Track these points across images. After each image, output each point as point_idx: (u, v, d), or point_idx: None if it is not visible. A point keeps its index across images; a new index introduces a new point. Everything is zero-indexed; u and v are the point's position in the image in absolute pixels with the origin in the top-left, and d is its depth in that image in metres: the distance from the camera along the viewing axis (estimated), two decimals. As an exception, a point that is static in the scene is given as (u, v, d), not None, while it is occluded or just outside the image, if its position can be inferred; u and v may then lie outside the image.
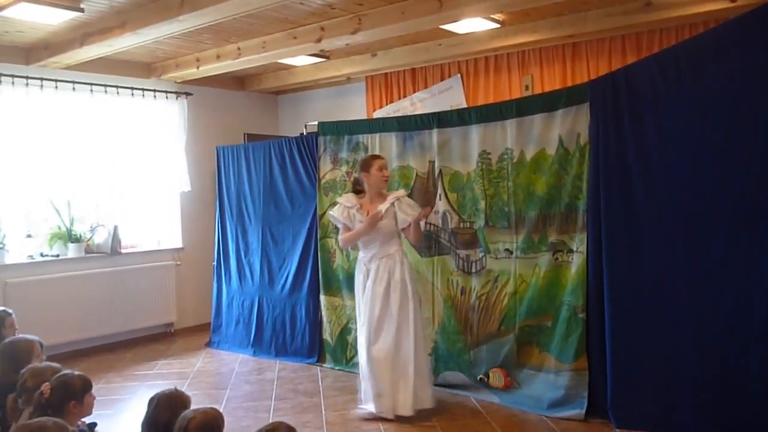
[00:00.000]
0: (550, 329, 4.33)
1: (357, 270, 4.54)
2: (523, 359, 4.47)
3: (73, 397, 2.77)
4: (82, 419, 3.08)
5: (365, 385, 4.36)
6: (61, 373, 2.85)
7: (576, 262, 4.20)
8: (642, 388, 3.89)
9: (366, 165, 4.46)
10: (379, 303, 4.27)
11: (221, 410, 2.56)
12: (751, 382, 3.49)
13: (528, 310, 4.43)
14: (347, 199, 4.52)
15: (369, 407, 4.31)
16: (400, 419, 4.24)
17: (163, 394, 2.69)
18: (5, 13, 4.52)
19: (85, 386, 2.85)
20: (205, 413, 2.47)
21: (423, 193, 5.00)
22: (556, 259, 4.32)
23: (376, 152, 5.26)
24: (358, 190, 4.60)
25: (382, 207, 4.33)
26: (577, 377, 4.16)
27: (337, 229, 5.49)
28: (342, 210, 4.46)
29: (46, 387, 2.75)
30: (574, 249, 4.22)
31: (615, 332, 3.98)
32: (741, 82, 3.49)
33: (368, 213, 4.36)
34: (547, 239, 4.36)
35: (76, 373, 2.91)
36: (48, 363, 3.17)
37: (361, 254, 4.50)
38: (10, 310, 4.06)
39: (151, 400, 2.71)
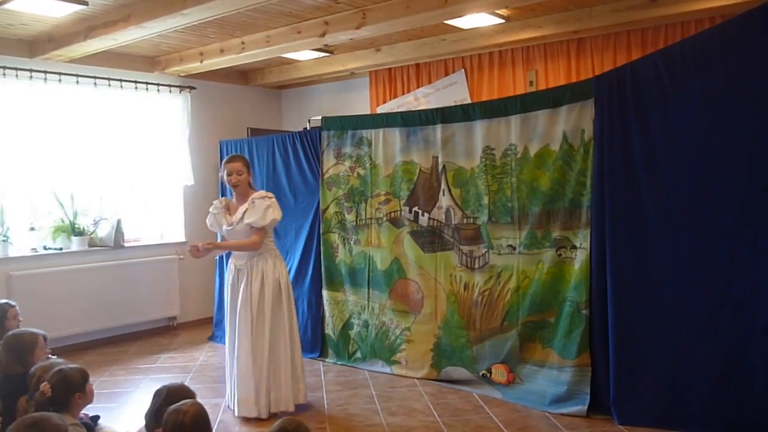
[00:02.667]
0: (553, 325, 4.33)
1: (227, 270, 4.49)
2: (526, 355, 4.47)
3: (76, 388, 2.81)
4: (85, 413, 3.10)
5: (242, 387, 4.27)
6: (56, 369, 2.87)
7: (579, 258, 4.20)
8: (645, 385, 3.89)
9: (222, 169, 4.45)
10: (253, 304, 4.22)
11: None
12: (756, 378, 3.49)
13: (531, 306, 4.43)
14: (213, 205, 4.49)
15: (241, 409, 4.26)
16: (408, 413, 4.25)
17: (172, 387, 2.71)
18: (9, 5, 4.52)
19: (84, 376, 2.91)
20: (194, 404, 2.51)
21: (427, 188, 5.00)
22: (560, 255, 4.32)
23: (380, 148, 5.28)
24: None
25: (236, 216, 4.29)
26: (580, 373, 4.16)
27: (340, 223, 5.53)
28: (208, 218, 4.46)
29: (45, 386, 2.76)
30: (578, 245, 4.22)
31: (618, 328, 3.98)
32: (747, 78, 3.48)
33: (232, 215, 4.35)
34: (550, 235, 4.35)
35: (71, 366, 2.96)
36: (55, 359, 3.18)
37: (233, 255, 4.44)
38: (13, 302, 4.07)
39: (158, 392, 2.72)
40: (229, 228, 4.32)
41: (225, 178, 4.38)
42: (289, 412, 4.20)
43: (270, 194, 4.36)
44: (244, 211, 4.23)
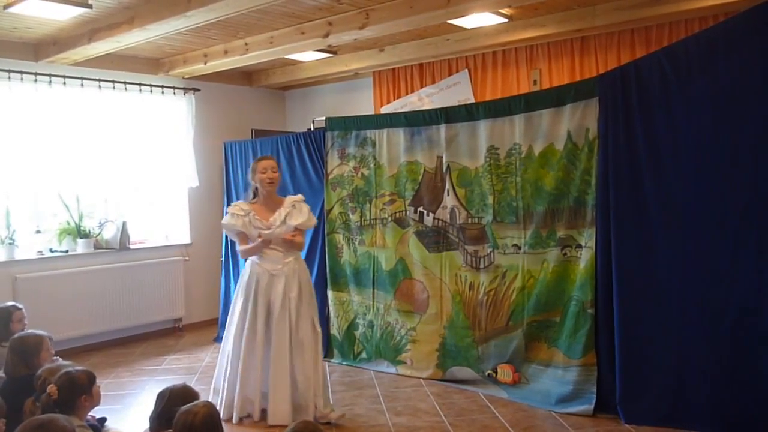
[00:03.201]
0: (558, 325, 4.32)
1: (250, 271, 4.24)
2: (532, 355, 4.46)
3: (83, 391, 2.82)
4: (92, 414, 3.11)
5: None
6: (63, 372, 2.87)
7: (584, 257, 4.19)
8: (651, 384, 3.88)
9: (252, 169, 4.32)
10: (292, 309, 4.13)
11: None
12: (762, 378, 3.47)
13: (536, 306, 4.42)
14: (239, 208, 4.28)
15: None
16: (414, 413, 4.25)
17: (176, 388, 2.71)
18: (14, 9, 4.53)
19: (90, 378, 2.91)
20: (205, 406, 2.51)
21: (431, 188, 5.00)
22: (565, 254, 4.31)
23: (384, 148, 5.27)
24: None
25: (275, 218, 4.19)
26: (586, 373, 4.15)
27: (344, 224, 5.52)
28: (235, 219, 4.23)
29: (52, 389, 2.76)
30: (583, 244, 4.21)
31: (624, 328, 3.97)
32: (751, 76, 3.47)
33: (264, 219, 4.20)
34: (555, 234, 4.34)
35: (78, 368, 2.95)
36: (61, 362, 3.19)
37: (257, 258, 4.25)
38: (20, 305, 4.09)
39: (161, 394, 2.72)
40: (268, 231, 4.17)
41: (258, 176, 4.23)
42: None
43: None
44: (286, 214, 4.20)
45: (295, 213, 4.23)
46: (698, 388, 3.71)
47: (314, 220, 4.36)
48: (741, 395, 3.55)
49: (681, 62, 3.72)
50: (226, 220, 4.31)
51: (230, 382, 4.22)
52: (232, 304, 4.39)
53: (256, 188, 4.31)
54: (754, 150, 3.46)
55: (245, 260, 4.40)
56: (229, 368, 4.23)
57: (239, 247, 4.32)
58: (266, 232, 4.16)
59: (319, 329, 4.28)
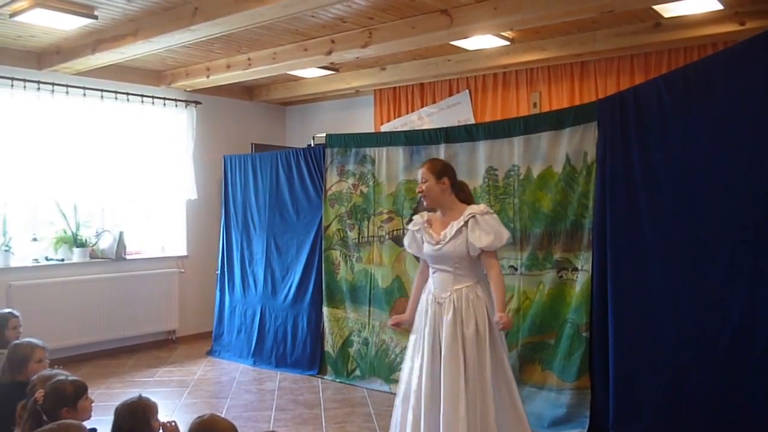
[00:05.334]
0: (553, 347, 4.32)
1: (425, 296, 3.54)
2: (525, 376, 4.44)
3: (65, 403, 2.74)
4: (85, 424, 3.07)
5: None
6: (54, 380, 2.84)
7: (581, 280, 4.20)
8: (645, 409, 3.87)
9: None
10: (435, 345, 3.37)
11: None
12: (755, 402, 3.46)
13: (531, 327, 4.42)
14: (414, 221, 3.63)
15: None
16: None
17: (123, 405, 2.64)
18: (20, 18, 4.56)
19: (78, 391, 2.81)
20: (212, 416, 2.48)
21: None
22: (561, 276, 4.32)
23: (383, 166, 5.29)
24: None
25: (446, 233, 3.43)
26: (580, 396, 4.14)
27: (342, 240, 5.53)
28: (409, 240, 3.65)
29: (39, 394, 2.74)
30: (579, 267, 4.22)
31: (618, 351, 3.96)
32: (749, 105, 3.49)
33: (437, 233, 3.49)
34: (552, 257, 4.35)
35: (70, 378, 2.88)
36: (56, 370, 3.17)
37: (430, 281, 3.55)
38: (17, 312, 4.07)
39: (115, 410, 2.66)
40: (437, 248, 3.43)
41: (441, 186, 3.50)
42: None
43: (488, 206, 3.56)
44: (458, 229, 3.39)
45: (476, 230, 3.35)
46: (692, 412, 3.69)
47: (506, 234, 3.41)
48: (735, 420, 3.54)
49: (679, 90, 3.75)
50: (404, 241, 3.72)
51: (398, 425, 3.58)
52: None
53: None
54: (749, 177, 3.48)
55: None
56: (399, 410, 3.59)
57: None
58: (434, 248, 3.43)
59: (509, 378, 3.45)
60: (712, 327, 3.61)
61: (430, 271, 3.53)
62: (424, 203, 3.57)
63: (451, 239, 3.39)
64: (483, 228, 3.35)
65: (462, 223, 3.39)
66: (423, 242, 3.53)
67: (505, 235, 3.41)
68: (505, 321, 3.25)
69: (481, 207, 3.48)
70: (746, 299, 3.49)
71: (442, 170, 3.51)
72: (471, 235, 3.35)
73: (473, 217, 3.38)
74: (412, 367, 3.47)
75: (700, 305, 3.66)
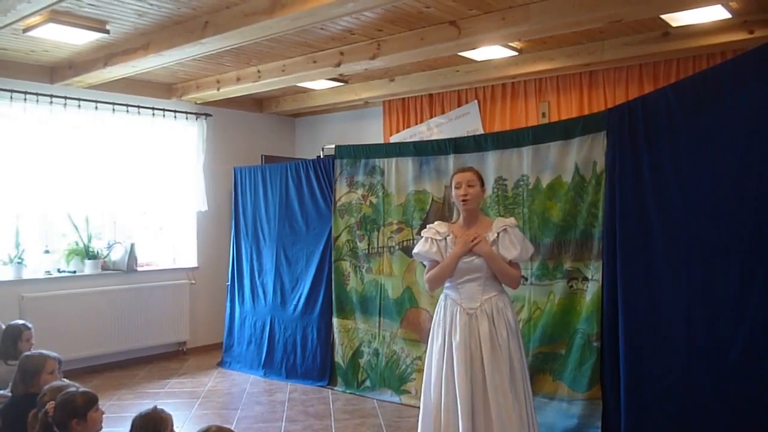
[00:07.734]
0: (563, 357, 4.30)
1: (443, 306, 3.50)
2: (536, 387, 4.41)
3: (75, 414, 2.74)
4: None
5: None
6: (65, 391, 2.85)
7: (591, 290, 4.18)
8: (657, 419, 3.84)
9: (450, 184, 3.59)
10: (466, 359, 3.33)
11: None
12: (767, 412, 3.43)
13: (542, 338, 4.40)
14: (434, 231, 3.53)
15: None
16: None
17: (138, 417, 2.64)
18: (33, 33, 4.62)
19: (88, 403, 2.81)
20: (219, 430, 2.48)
21: (439, 217, 5.00)
22: (571, 286, 4.30)
23: (393, 176, 5.30)
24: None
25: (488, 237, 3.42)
26: (591, 406, 4.11)
27: (352, 251, 5.53)
28: (429, 245, 3.51)
29: (50, 406, 2.75)
30: (590, 277, 4.20)
31: (629, 361, 3.93)
32: (759, 114, 3.48)
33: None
34: (562, 266, 4.34)
35: (81, 390, 2.89)
36: (67, 381, 3.18)
37: (451, 292, 3.48)
38: (29, 324, 4.10)
39: (132, 421, 2.66)
40: (470, 259, 3.39)
41: (454, 192, 3.49)
42: None
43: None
44: (492, 240, 3.40)
45: (506, 241, 3.41)
46: (703, 423, 3.66)
47: (531, 249, 3.52)
48: (748, 430, 3.50)
49: (688, 99, 3.74)
50: (418, 248, 3.56)
51: None
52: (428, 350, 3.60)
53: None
54: (759, 185, 3.46)
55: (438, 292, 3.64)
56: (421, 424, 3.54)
57: (426, 275, 3.56)
58: (464, 259, 3.39)
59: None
60: (724, 337, 3.58)
61: (453, 281, 3.45)
62: (462, 207, 3.49)
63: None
64: (512, 241, 3.41)
65: (495, 234, 3.42)
66: (443, 251, 3.47)
67: (531, 249, 3.51)
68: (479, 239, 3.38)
69: (512, 220, 3.53)
70: (758, 307, 3.46)
71: (483, 180, 3.57)
72: (502, 247, 3.40)
73: (505, 229, 3.43)
74: (443, 377, 3.38)
75: (712, 315, 3.63)
